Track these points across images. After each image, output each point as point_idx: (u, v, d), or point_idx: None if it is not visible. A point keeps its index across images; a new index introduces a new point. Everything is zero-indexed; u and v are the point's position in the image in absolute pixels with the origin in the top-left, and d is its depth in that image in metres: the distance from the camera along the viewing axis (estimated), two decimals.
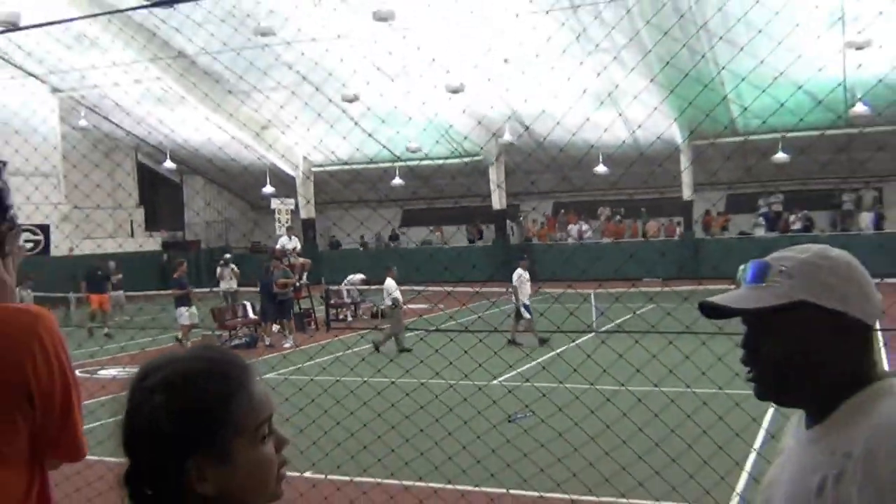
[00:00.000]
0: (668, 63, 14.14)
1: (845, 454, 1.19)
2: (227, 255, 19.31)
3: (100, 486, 4.29)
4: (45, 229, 23.30)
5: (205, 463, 1.05)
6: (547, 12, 15.14)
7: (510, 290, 13.13)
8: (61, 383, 1.48)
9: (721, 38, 12.90)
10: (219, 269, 18.38)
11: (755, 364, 1.29)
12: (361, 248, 28.11)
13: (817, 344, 1.24)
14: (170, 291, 15.30)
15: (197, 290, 16.43)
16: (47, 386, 1.45)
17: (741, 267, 1.33)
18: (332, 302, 17.67)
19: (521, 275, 12.94)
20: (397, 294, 13.11)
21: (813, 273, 1.25)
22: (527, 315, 12.74)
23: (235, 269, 18.23)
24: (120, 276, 18.58)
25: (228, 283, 18.02)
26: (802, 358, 1.25)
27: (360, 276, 18.07)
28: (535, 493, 5.40)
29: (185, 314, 14.29)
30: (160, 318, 17.65)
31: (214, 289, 18.38)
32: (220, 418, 1.06)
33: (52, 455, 1.55)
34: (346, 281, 18.00)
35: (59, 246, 23.87)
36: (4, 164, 1.66)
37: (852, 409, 1.23)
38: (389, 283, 13.34)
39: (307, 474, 5.69)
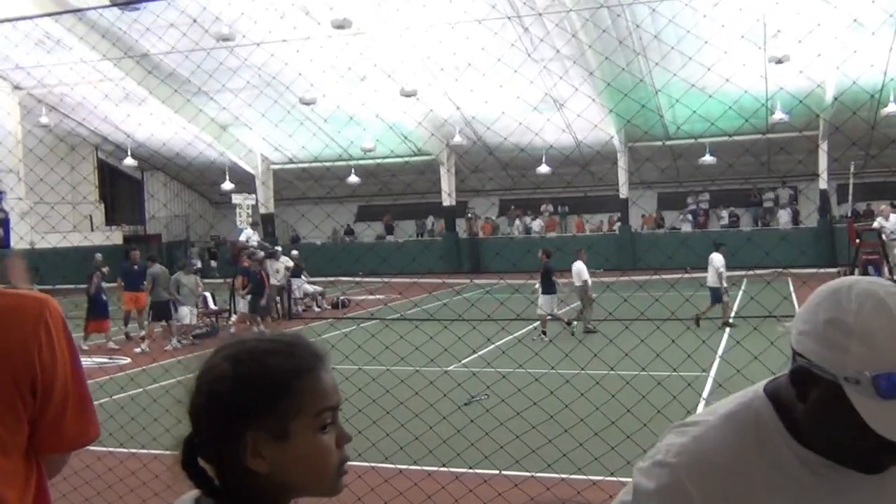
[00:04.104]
0: (605, 58, 14.31)
1: None
2: (278, 248, 18.06)
3: (109, 478, 3.90)
4: (4, 223, 22.63)
5: (262, 438, 0.99)
6: (481, 22, 15.13)
7: (713, 275, 12.95)
8: (62, 373, 1.38)
9: (655, 36, 13.19)
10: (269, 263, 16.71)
11: None
12: (318, 244, 27.77)
13: None
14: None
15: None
16: (50, 375, 1.36)
17: None
18: (294, 294, 17.34)
19: (721, 262, 12.82)
20: (586, 276, 12.83)
21: None
22: (725, 298, 12.87)
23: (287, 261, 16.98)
24: (106, 268, 17.55)
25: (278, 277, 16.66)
26: None
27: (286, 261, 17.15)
28: (496, 471, 5.38)
29: (242, 303, 14.15)
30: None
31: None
32: (282, 392, 1.00)
33: (46, 446, 1.41)
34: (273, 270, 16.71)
35: (24, 238, 23.17)
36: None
37: None
38: (579, 265, 12.96)
39: None
